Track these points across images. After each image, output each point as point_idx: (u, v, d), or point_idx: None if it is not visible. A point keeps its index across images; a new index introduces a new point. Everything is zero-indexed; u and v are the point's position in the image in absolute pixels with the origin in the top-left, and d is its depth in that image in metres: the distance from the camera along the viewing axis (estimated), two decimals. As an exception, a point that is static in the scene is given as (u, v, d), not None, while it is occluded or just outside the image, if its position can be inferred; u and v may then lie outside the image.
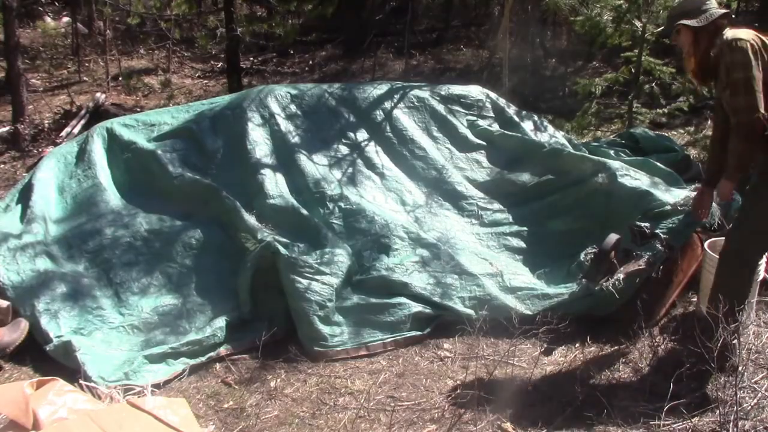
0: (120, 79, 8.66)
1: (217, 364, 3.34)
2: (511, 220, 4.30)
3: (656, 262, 3.44)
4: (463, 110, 5.00)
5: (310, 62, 10.28)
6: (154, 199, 4.18)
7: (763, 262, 3.38)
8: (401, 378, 3.21)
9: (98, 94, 7.47)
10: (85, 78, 8.74)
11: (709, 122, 6.51)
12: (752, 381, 2.94)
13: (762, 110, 2.72)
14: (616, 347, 3.35)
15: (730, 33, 2.86)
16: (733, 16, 3.03)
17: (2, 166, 6.05)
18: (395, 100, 4.87)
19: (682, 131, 6.57)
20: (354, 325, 3.52)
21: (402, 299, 3.59)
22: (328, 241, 3.83)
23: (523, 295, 3.64)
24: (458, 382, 3.15)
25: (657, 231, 3.65)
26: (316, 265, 3.60)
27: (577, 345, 3.39)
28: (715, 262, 3.08)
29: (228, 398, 3.08)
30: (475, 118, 4.98)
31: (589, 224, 4.07)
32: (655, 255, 3.48)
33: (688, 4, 3.02)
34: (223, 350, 3.38)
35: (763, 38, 2.84)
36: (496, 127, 4.96)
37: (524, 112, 5.29)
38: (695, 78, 3.09)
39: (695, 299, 3.65)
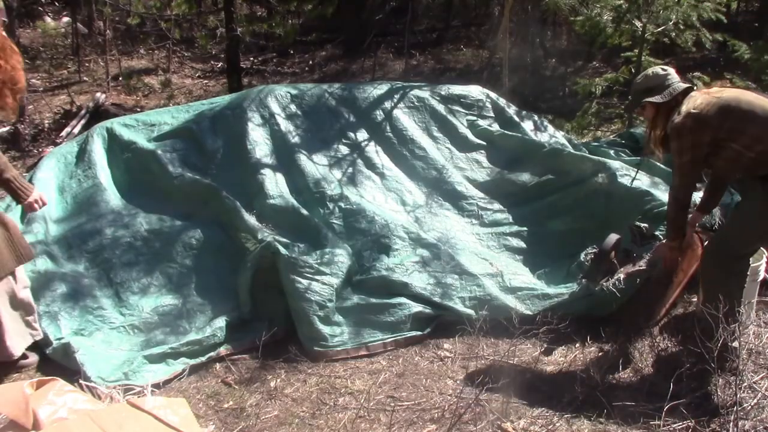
0: (120, 79, 8.66)
1: (217, 364, 3.34)
2: (511, 220, 4.31)
3: (656, 262, 3.45)
4: (463, 110, 5.00)
5: (310, 62, 10.28)
6: (154, 199, 4.18)
7: (763, 262, 3.39)
8: (401, 378, 3.21)
9: (98, 94, 7.46)
10: (85, 78, 8.74)
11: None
12: (752, 381, 2.94)
13: (690, 188, 3.07)
14: (616, 347, 3.35)
15: (675, 116, 2.96)
16: (695, 87, 3.20)
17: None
18: (395, 100, 4.88)
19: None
20: (354, 325, 3.52)
21: (402, 299, 3.59)
22: (328, 242, 3.83)
23: (523, 295, 3.64)
24: (458, 382, 3.15)
25: (657, 231, 3.66)
26: (316, 266, 3.60)
27: (577, 345, 3.39)
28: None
29: (228, 398, 3.08)
30: (475, 118, 4.98)
31: (589, 224, 4.08)
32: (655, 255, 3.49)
33: (652, 81, 3.14)
34: (223, 350, 3.38)
35: (708, 105, 2.88)
36: (496, 127, 4.96)
37: (524, 112, 5.29)
38: (659, 147, 3.20)
39: (695, 299, 3.65)
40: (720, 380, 2.89)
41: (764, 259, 3.40)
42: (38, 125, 6.79)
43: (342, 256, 3.73)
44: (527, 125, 5.07)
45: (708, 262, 3.09)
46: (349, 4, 10.49)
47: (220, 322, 3.42)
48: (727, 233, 3.10)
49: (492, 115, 5.06)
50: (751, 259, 3.36)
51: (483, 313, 3.39)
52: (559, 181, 4.39)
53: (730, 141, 2.87)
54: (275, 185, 4.15)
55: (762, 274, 3.41)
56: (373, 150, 4.58)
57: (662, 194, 3.94)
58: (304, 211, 4.01)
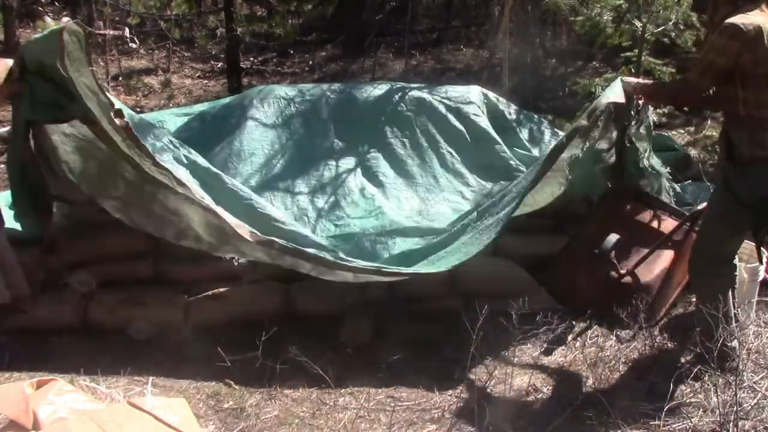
0: (120, 79, 8.66)
1: (218, 363, 3.33)
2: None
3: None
4: (463, 111, 4.98)
5: (310, 62, 10.28)
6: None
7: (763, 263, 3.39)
8: (401, 378, 3.21)
9: (98, 94, 7.45)
10: (85, 78, 8.73)
11: (708, 122, 6.54)
12: (752, 381, 2.94)
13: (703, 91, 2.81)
14: (616, 347, 3.35)
15: (738, 14, 2.72)
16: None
17: (3, 166, 6.05)
18: (395, 101, 4.86)
19: (682, 131, 6.58)
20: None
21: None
22: (326, 241, 3.84)
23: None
24: (458, 382, 3.15)
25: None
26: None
27: (578, 345, 3.39)
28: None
29: (228, 398, 3.08)
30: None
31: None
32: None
33: None
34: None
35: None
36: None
37: (524, 113, 5.27)
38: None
39: (695, 299, 3.65)
40: (720, 380, 2.89)
41: (765, 260, 3.40)
42: (38, 125, 6.79)
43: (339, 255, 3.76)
44: (527, 126, 5.06)
45: (693, 268, 3.08)
46: (349, 4, 10.49)
47: None
48: (702, 237, 3.07)
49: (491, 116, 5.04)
50: (750, 258, 3.36)
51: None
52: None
53: (742, 82, 2.69)
54: (276, 186, 4.16)
55: (762, 274, 3.41)
56: (373, 151, 4.57)
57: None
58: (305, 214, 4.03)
